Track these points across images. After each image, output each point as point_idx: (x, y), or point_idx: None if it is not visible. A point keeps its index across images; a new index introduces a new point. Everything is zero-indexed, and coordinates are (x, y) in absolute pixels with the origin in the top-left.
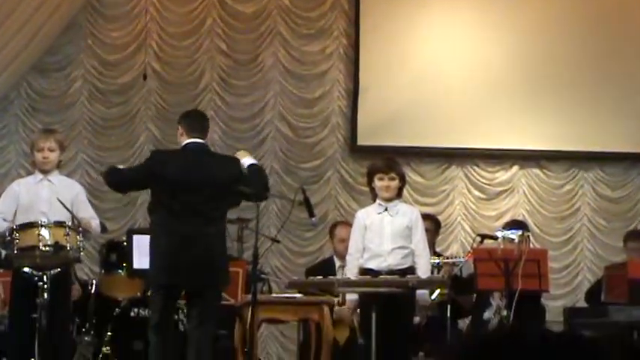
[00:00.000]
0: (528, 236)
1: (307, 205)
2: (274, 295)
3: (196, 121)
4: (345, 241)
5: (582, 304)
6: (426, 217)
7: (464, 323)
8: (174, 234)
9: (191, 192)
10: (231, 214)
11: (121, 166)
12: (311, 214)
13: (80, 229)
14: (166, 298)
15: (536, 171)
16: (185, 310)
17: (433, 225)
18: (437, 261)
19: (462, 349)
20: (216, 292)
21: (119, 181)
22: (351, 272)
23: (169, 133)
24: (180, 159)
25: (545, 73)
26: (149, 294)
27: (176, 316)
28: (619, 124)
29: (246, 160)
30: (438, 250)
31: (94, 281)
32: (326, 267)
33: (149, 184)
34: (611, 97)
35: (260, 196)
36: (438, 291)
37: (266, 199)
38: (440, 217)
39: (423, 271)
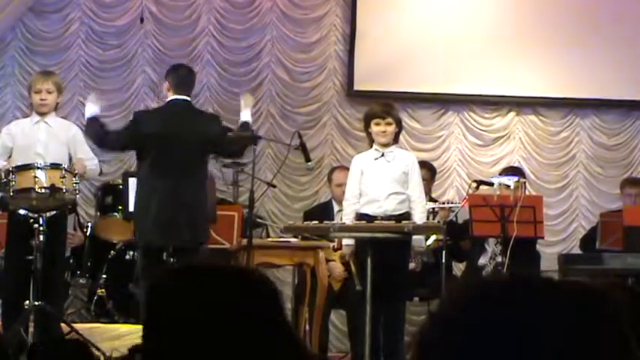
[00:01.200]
0: (524, 183)
1: (303, 149)
2: (270, 239)
3: (182, 78)
4: (342, 185)
5: (577, 250)
6: (421, 164)
7: (459, 269)
8: (154, 190)
9: (173, 148)
10: (227, 158)
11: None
12: (307, 159)
13: (76, 171)
14: (149, 256)
15: (533, 117)
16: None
17: (429, 173)
18: (433, 206)
19: (461, 296)
20: (197, 250)
21: (110, 146)
22: (347, 217)
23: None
24: (163, 116)
25: (543, 19)
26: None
27: None
28: (615, 71)
29: (244, 115)
30: (433, 196)
31: (89, 224)
32: (324, 211)
33: (136, 145)
34: (608, 44)
35: (235, 154)
36: (433, 237)
37: (258, 139)
38: (436, 163)
39: (419, 217)
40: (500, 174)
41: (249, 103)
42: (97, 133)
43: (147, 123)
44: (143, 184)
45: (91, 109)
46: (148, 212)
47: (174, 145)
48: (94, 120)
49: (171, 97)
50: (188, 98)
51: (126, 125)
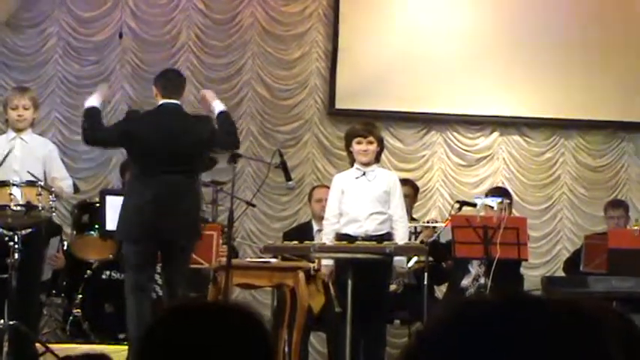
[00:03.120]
0: (509, 203)
1: (284, 168)
2: (248, 259)
3: (171, 82)
4: (322, 201)
5: (561, 273)
6: (404, 182)
7: (441, 292)
8: (148, 192)
9: (165, 152)
10: (205, 177)
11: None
12: (288, 178)
13: (53, 188)
14: (139, 256)
15: (517, 138)
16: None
17: (412, 190)
18: (415, 226)
19: (445, 316)
20: (187, 253)
21: (94, 138)
22: (327, 237)
23: (144, 92)
24: (154, 119)
25: (527, 38)
26: (122, 249)
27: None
28: (601, 92)
29: (217, 105)
30: (415, 216)
31: (65, 242)
32: (304, 231)
33: (123, 143)
34: (594, 64)
35: (232, 147)
36: (415, 258)
37: (238, 147)
38: (418, 183)
39: (401, 238)
40: (486, 195)
41: (212, 95)
42: (93, 123)
43: (138, 123)
44: (132, 187)
45: (96, 99)
46: (136, 212)
47: (166, 148)
48: (97, 110)
49: (161, 101)
50: (178, 102)
51: (117, 122)
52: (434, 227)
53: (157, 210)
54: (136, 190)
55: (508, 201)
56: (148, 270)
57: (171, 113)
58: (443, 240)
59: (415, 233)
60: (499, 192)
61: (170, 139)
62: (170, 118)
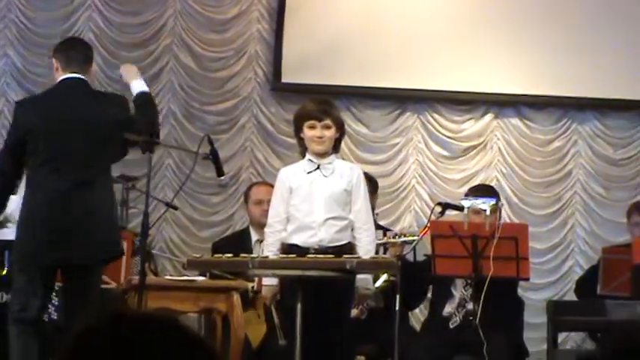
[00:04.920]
0: (502, 207)
1: (215, 159)
2: (168, 277)
3: (75, 51)
4: (262, 203)
5: (572, 296)
6: None
7: (417, 319)
8: (46, 194)
9: (66, 139)
10: (114, 171)
11: None
12: (219, 172)
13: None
14: (34, 277)
15: (516, 122)
16: (57, 295)
17: (369, 186)
18: (382, 241)
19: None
20: (98, 270)
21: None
22: (270, 249)
23: (33, 61)
24: (50, 99)
25: None
26: (14, 266)
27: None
28: (624, 64)
29: (136, 85)
30: (382, 223)
31: None
32: (239, 241)
33: (25, 147)
34: (614, 28)
35: (150, 145)
36: (384, 276)
37: (155, 145)
38: (389, 180)
39: (366, 250)
40: (466, 195)
41: (134, 71)
42: None
43: (28, 112)
44: (29, 189)
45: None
46: (34, 223)
47: (67, 134)
48: None
49: (62, 76)
50: (84, 77)
51: (8, 133)
52: (403, 242)
53: (61, 224)
54: (30, 198)
55: (502, 203)
56: (41, 296)
57: (75, 89)
58: (419, 256)
59: (384, 247)
60: (485, 192)
61: (71, 121)
62: (74, 96)
